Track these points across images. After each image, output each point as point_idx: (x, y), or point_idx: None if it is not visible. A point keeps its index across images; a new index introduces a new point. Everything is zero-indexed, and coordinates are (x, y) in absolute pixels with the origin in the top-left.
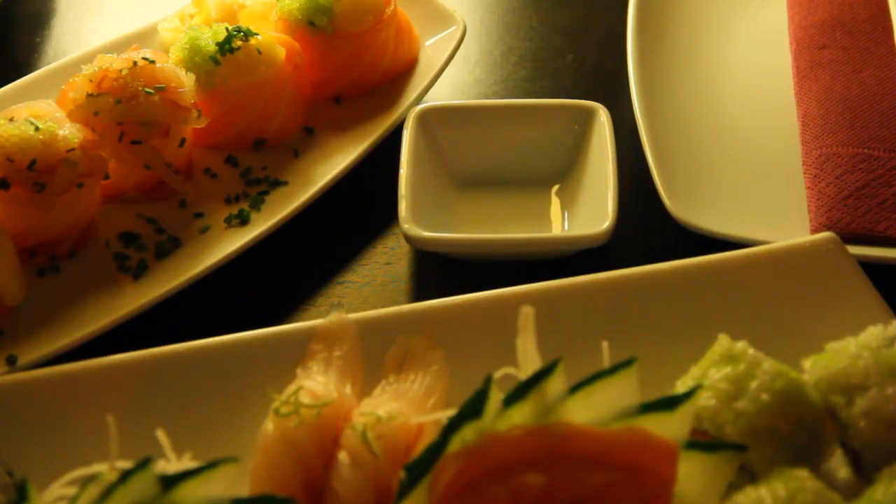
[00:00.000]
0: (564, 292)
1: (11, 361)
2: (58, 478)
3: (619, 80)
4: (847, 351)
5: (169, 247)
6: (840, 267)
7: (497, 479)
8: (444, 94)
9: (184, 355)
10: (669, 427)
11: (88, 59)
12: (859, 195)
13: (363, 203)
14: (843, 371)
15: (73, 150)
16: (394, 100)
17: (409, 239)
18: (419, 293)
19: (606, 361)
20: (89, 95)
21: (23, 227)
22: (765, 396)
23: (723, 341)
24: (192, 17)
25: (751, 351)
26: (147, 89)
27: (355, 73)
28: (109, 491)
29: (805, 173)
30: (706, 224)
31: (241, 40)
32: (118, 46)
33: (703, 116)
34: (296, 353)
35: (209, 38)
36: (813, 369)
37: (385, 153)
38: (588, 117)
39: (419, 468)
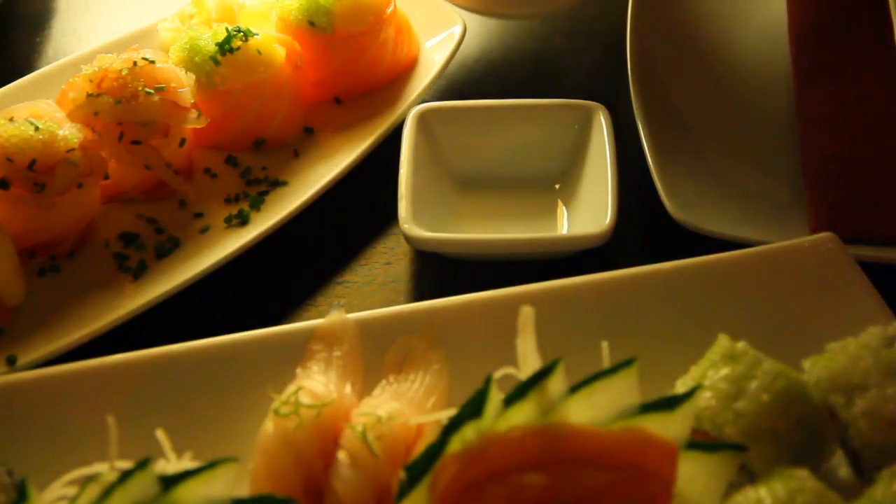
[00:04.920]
0: (564, 292)
1: (11, 361)
2: (58, 478)
3: (619, 80)
4: (847, 351)
5: (169, 247)
6: (840, 267)
7: (497, 480)
8: (444, 94)
9: (184, 355)
10: (669, 427)
11: (88, 59)
12: (859, 195)
13: (363, 203)
14: (843, 371)
15: (73, 150)
16: (394, 100)
17: (409, 239)
18: (419, 293)
19: (606, 361)
20: (89, 95)
21: (23, 227)
22: (765, 397)
23: (723, 341)
24: (192, 17)
25: (751, 351)
26: (147, 89)
27: (355, 73)
28: (109, 491)
29: (805, 173)
30: (706, 224)
31: (241, 40)
32: (118, 46)
33: (703, 116)
34: (296, 353)
35: (209, 38)
36: (813, 369)
37: (385, 153)
38: (588, 117)
39: (419, 468)
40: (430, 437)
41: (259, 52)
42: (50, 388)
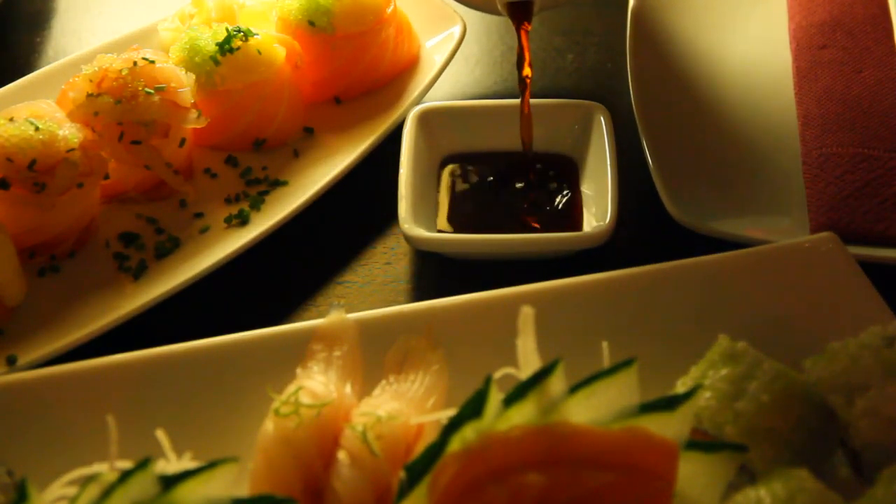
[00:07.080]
0: (564, 292)
1: (11, 361)
2: (58, 478)
3: (619, 80)
4: (847, 351)
5: (169, 247)
6: (840, 267)
7: (497, 479)
8: (444, 94)
9: (184, 355)
10: (669, 427)
11: (88, 59)
12: (859, 195)
13: (363, 203)
14: (843, 371)
15: (73, 150)
16: (394, 100)
17: (409, 239)
18: (419, 293)
19: (606, 361)
20: (89, 95)
21: (23, 227)
22: (765, 397)
23: (723, 341)
24: (192, 17)
25: (751, 351)
26: (147, 89)
27: (355, 73)
28: (109, 491)
29: (805, 173)
30: (706, 224)
31: (241, 40)
32: (118, 46)
33: (703, 116)
34: (296, 353)
35: (209, 38)
36: (813, 369)
37: (385, 153)
38: (588, 117)
39: (419, 468)
40: (430, 437)
41: (259, 52)
42: (50, 388)
